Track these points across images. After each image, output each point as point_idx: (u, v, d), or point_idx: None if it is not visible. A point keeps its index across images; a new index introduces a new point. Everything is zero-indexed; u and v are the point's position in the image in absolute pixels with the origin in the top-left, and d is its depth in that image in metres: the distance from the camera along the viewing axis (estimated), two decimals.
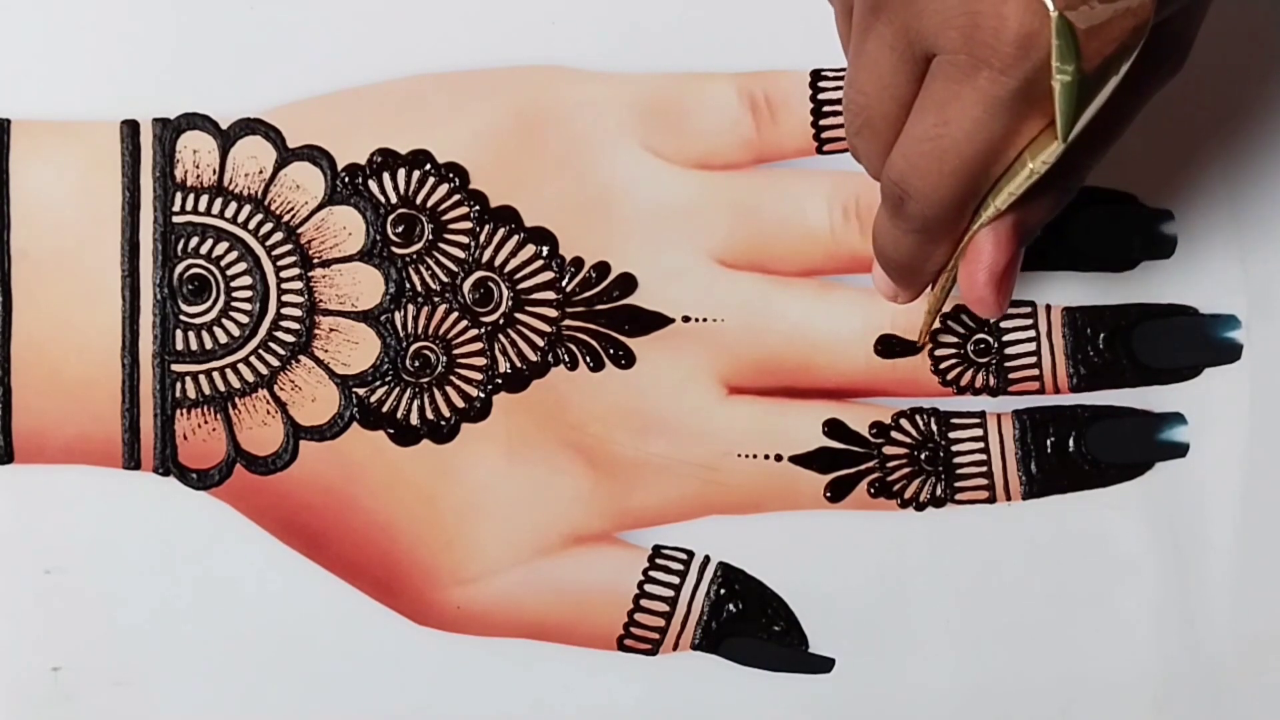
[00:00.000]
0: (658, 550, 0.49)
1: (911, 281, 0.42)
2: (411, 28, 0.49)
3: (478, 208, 0.48)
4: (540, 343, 0.49)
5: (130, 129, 0.48)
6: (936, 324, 0.48)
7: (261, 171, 0.48)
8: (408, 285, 0.48)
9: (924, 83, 0.36)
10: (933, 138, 0.36)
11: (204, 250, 0.48)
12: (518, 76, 0.49)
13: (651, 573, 0.49)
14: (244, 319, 0.48)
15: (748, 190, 0.49)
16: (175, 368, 0.48)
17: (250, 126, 0.48)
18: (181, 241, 0.48)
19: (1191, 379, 0.50)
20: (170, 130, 0.48)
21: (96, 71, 0.48)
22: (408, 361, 0.48)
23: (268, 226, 0.48)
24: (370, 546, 0.48)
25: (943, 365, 0.49)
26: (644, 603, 0.48)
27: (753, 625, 0.49)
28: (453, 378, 0.48)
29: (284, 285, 0.48)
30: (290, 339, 0.48)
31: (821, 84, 0.49)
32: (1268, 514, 0.50)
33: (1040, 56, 0.34)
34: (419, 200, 0.48)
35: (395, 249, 0.48)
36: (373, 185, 0.48)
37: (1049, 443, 0.49)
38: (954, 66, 0.35)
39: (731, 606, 0.49)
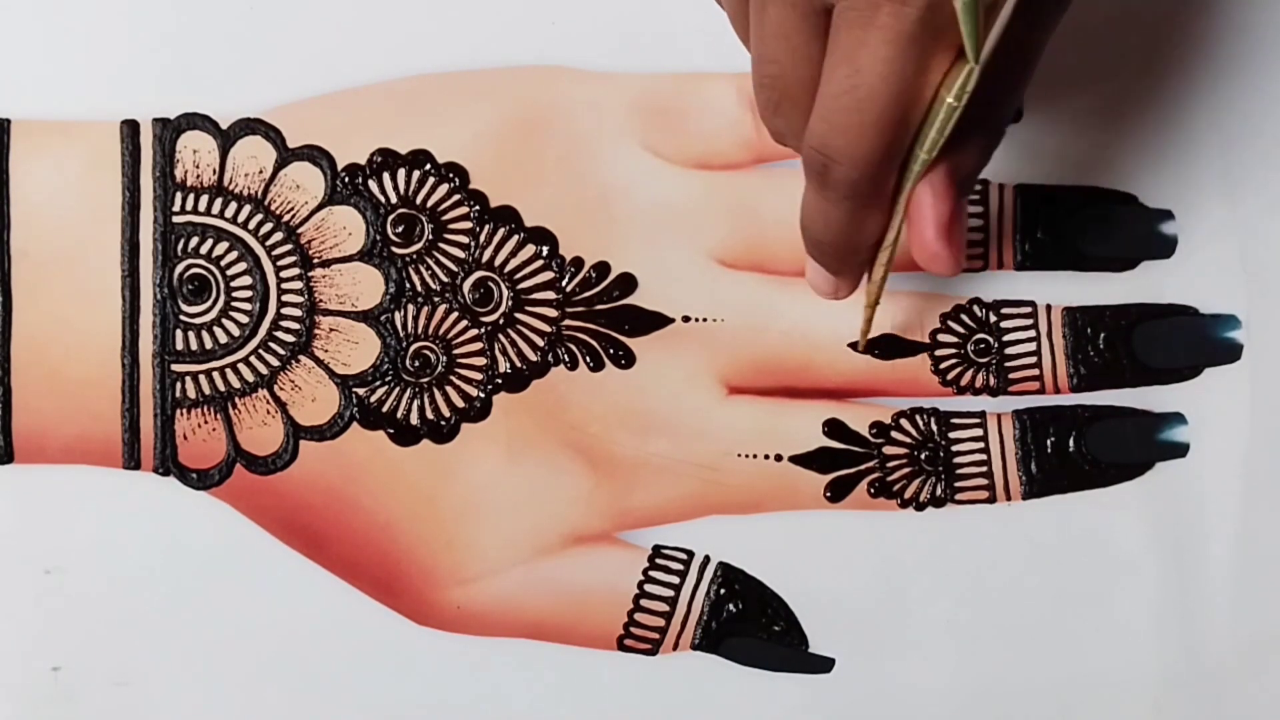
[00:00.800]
0: (658, 550, 0.49)
1: (846, 264, 0.41)
2: (411, 28, 0.49)
3: (478, 208, 0.48)
4: (540, 343, 0.49)
5: (130, 129, 0.48)
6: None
7: (261, 171, 0.48)
8: (408, 285, 0.48)
9: (829, 38, 0.36)
10: (848, 90, 0.35)
11: (204, 250, 0.48)
12: (518, 76, 0.49)
13: (651, 573, 0.49)
14: (244, 319, 0.48)
15: (748, 190, 0.49)
16: (175, 368, 0.48)
17: (250, 126, 0.48)
18: (181, 241, 0.48)
19: (1191, 379, 0.50)
20: (170, 130, 0.48)
21: (96, 71, 0.48)
22: (408, 361, 0.48)
23: (268, 226, 0.48)
24: (370, 546, 0.48)
25: (943, 365, 0.49)
26: (644, 603, 0.48)
27: (753, 625, 0.49)
28: (453, 378, 0.48)
29: (284, 285, 0.48)
30: (290, 339, 0.48)
31: None
32: (1268, 514, 0.50)
33: None
34: (419, 200, 0.48)
35: (395, 249, 0.48)
36: (373, 185, 0.48)
37: (1049, 443, 0.49)
38: (854, 11, 0.35)
39: (731, 606, 0.49)
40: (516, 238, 0.48)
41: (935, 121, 0.36)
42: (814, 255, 0.42)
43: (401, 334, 0.48)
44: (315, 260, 0.48)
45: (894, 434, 0.49)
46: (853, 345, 0.49)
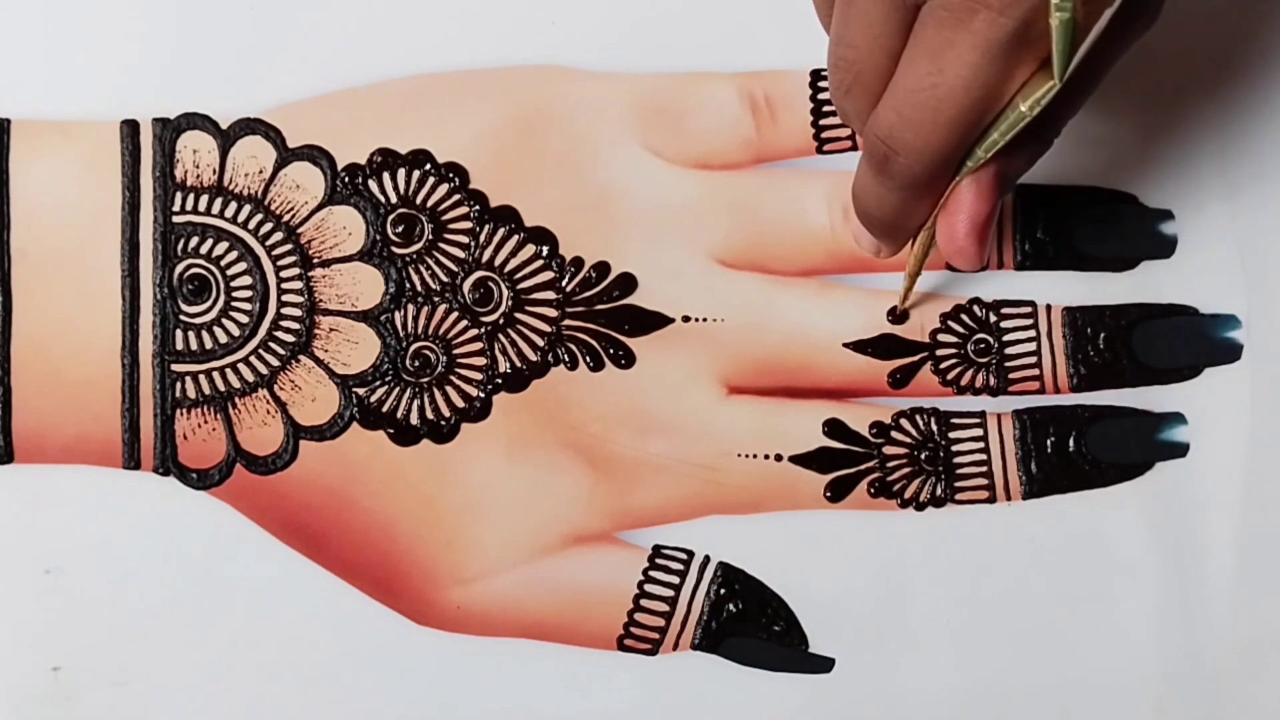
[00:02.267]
0: (658, 550, 0.49)
1: (893, 237, 0.42)
2: (411, 28, 0.49)
3: (478, 207, 0.48)
4: (540, 342, 0.49)
5: (130, 129, 0.48)
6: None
7: (261, 171, 0.48)
8: (408, 285, 0.48)
9: (913, 32, 0.36)
10: (927, 87, 0.36)
11: (204, 250, 0.48)
12: (518, 76, 0.49)
13: (651, 572, 0.49)
14: (244, 319, 0.48)
15: (747, 190, 0.49)
16: (175, 368, 0.48)
17: (250, 126, 0.48)
18: (181, 241, 0.48)
19: (1191, 379, 0.50)
20: (170, 130, 0.48)
21: (96, 71, 0.48)
22: (408, 361, 0.48)
23: (268, 226, 0.48)
24: (370, 546, 0.48)
25: (943, 365, 0.49)
26: (644, 603, 0.48)
27: (753, 625, 0.49)
28: (453, 377, 0.48)
29: (284, 285, 0.48)
30: (290, 339, 0.48)
31: (821, 84, 0.49)
32: (1268, 514, 0.50)
33: None
34: (419, 200, 0.48)
35: (395, 249, 0.48)
36: (373, 185, 0.48)
37: (1049, 443, 0.49)
38: (947, 11, 0.35)
39: (731, 606, 0.49)
40: (516, 238, 0.48)
41: (1002, 125, 0.37)
42: (862, 223, 0.42)
43: (401, 334, 0.48)
44: (315, 260, 0.48)
45: (894, 434, 0.49)
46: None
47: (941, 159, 0.37)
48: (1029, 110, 0.36)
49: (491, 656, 0.48)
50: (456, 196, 0.48)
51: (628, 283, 0.49)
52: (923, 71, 0.36)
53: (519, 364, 0.48)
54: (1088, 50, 0.35)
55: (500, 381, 0.48)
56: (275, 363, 0.48)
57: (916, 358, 0.49)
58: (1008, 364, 0.49)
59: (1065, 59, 0.35)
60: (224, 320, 0.48)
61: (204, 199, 0.48)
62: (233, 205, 0.48)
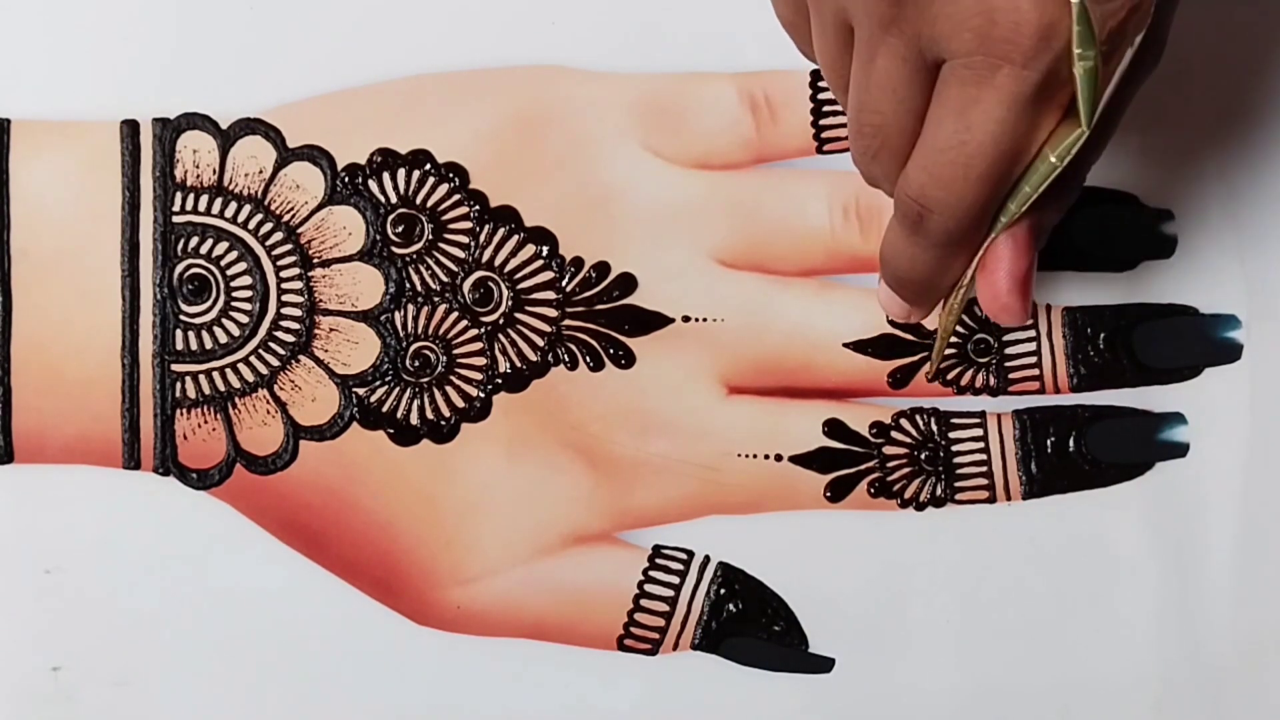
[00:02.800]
0: (658, 550, 0.49)
1: (926, 299, 0.42)
2: (411, 28, 0.49)
3: (478, 207, 0.48)
4: (540, 343, 0.49)
5: (130, 129, 0.48)
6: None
7: (261, 171, 0.48)
8: (408, 285, 0.48)
9: (936, 90, 0.36)
10: (955, 145, 0.36)
11: (204, 250, 0.48)
12: (518, 76, 0.49)
13: (651, 572, 0.49)
14: (244, 319, 0.48)
15: (748, 190, 0.49)
16: (175, 368, 0.48)
17: (250, 126, 0.48)
18: (181, 241, 0.48)
19: (1191, 379, 0.50)
20: (170, 130, 0.48)
21: (96, 71, 0.48)
22: (408, 361, 0.48)
23: (268, 226, 0.48)
24: (370, 546, 0.48)
25: (943, 365, 0.49)
26: (644, 602, 0.48)
27: (753, 625, 0.49)
28: (453, 378, 0.48)
29: (284, 285, 0.48)
30: (290, 339, 0.48)
31: (821, 84, 0.49)
32: (1268, 514, 0.50)
33: (1060, 46, 0.34)
34: (419, 200, 0.48)
35: (395, 249, 0.48)
36: (373, 185, 0.48)
37: (1049, 443, 0.49)
38: (969, 69, 0.35)
39: (731, 606, 0.49)
40: (516, 238, 0.48)
41: (1033, 177, 0.36)
42: (893, 288, 0.41)
43: (401, 334, 0.48)
44: (315, 260, 0.48)
45: (894, 434, 0.49)
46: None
47: (976, 214, 0.37)
48: (1059, 160, 0.36)
49: (491, 656, 0.48)
50: (456, 196, 0.48)
51: (628, 283, 0.49)
52: (950, 130, 0.35)
53: (519, 364, 0.48)
54: (1110, 95, 0.35)
55: (500, 381, 0.48)
56: (275, 363, 0.48)
57: (916, 358, 0.49)
58: (1008, 364, 0.49)
59: (1091, 106, 0.34)
60: (224, 320, 0.48)
61: (204, 199, 0.48)
62: (233, 205, 0.48)
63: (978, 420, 0.49)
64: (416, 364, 0.48)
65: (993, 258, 0.38)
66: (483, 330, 0.48)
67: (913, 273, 0.40)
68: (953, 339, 0.49)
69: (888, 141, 0.38)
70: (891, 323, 0.49)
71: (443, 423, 0.48)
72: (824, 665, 0.49)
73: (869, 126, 0.38)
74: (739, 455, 0.49)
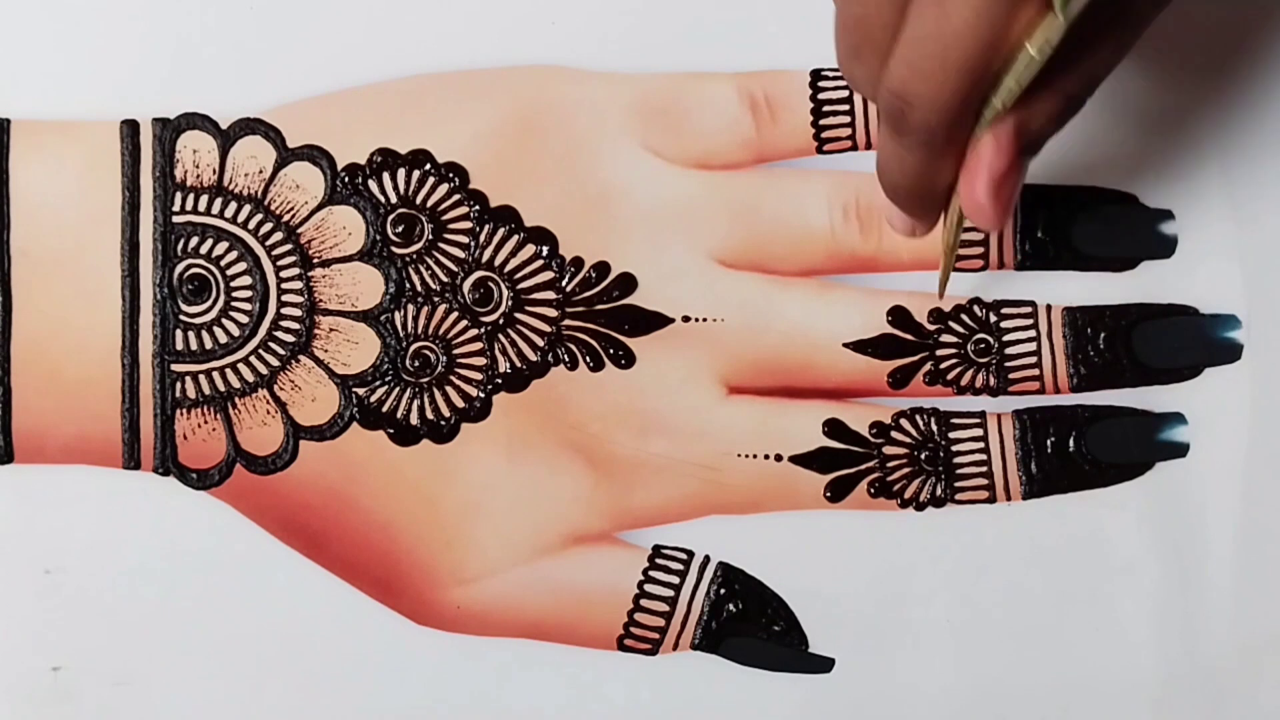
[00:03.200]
0: (658, 550, 0.49)
1: (924, 207, 0.41)
2: (411, 28, 0.49)
3: (477, 207, 0.48)
4: (540, 342, 0.49)
5: (130, 129, 0.48)
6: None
7: (261, 171, 0.48)
8: (408, 285, 0.48)
9: None
10: (933, 35, 0.35)
11: (204, 250, 0.48)
12: (518, 76, 0.49)
13: (651, 572, 0.49)
14: (244, 319, 0.48)
15: (748, 190, 0.49)
16: (175, 367, 0.48)
17: (250, 126, 0.48)
18: (181, 241, 0.48)
19: (1191, 379, 0.50)
20: (170, 130, 0.48)
21: (96, 71, 0.48)
22: (408, 361, 0.48)
23: (268, 226, 0.48)
24: (370, 546, 0.48)
25: (943, 365, 0.49)
26: (644, 602, 0.48)
27: (753, 625, 0.49)
28: (453, 377, 0.48)
29: (284, 285, 0.48)
30: (290, 339, 0.48)
31: (821, 84, 0.49)
32: (1268, 514, 0.50)
33: None
34: (419, 200, 0.48)
35: (395, 249, 0.48)
36: (372, 185, 0.48)
37: (1049, 443, 0.49)
38: None
39: (731, 606, 0.49)
40: (516, 238, 0.48)
41: (1014, 72, 0.36)
42: (890, 198, 0.42)
43: (401, 334, 0.48)
44: (315, 260, 0.48)
45: (894, 434, 0.49)
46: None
47: (956, 107, 0.37)
48: (1038, 54, 0.35)
49: (491, 656, 0.48)
50: (456, 196, 0.48)
51: (628, 283, 0.49)
52: (929, 18, 0.35)
53: (519, 364, 0.48)
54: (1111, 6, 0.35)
55: (500, 381, 0.48)
56: (275, 363, 0.48)
57: (916, 357, 0.49)
58: (1008, 364, 0.49)
59: None
60: (224, 320, 0.48)
61: (204, 199, 0.48)
62: (233, 205, 0.48)
63: (978, 420, 0.49)
64: (416, 364, 0.48)
65: (974, 156, 0.38)
66: (483, 330, 0.48)
67: (904, 177, 0.40)
68: (952, 339, 0.49)
69: (870, 35, 0.37)
70: (891, 322, 0.49)
71: (443, 423, 0.48)
72: (824, 665, 0.49)
73: (851, 19, 0.38)
74: (739, 455, 0.49)
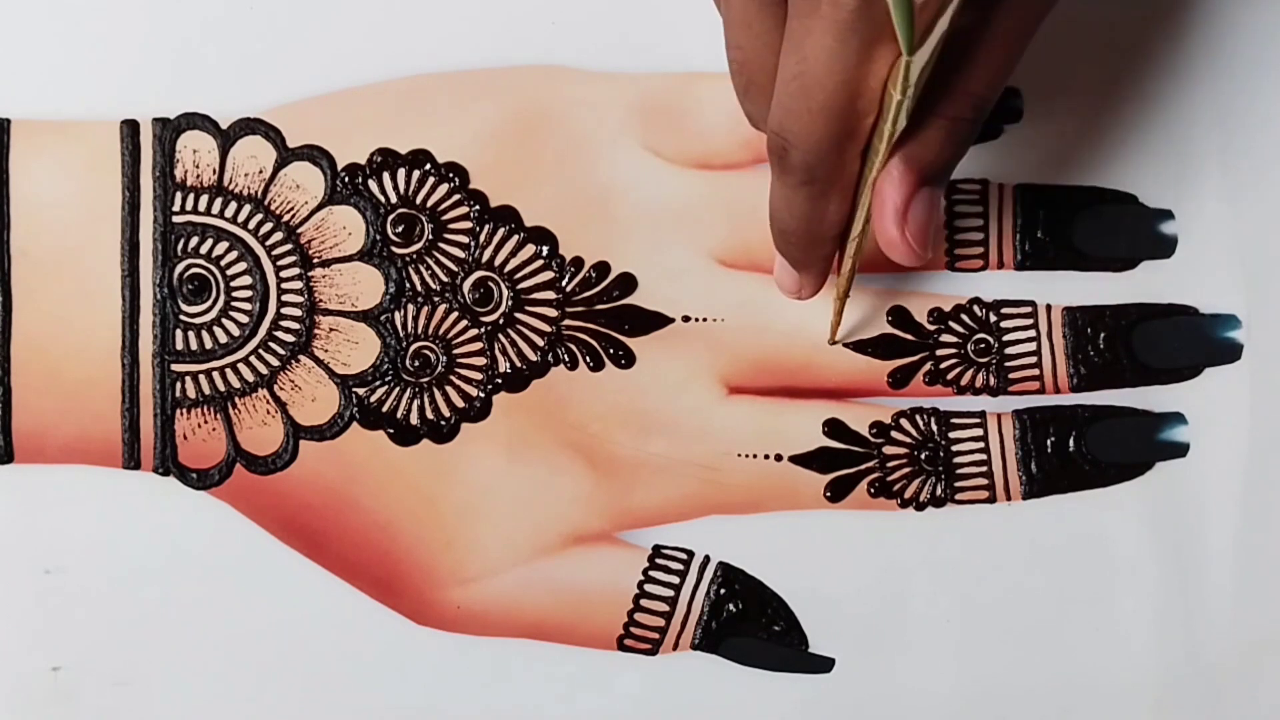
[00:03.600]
0: (658, 550, 0.49)
1: (809, 256, 0.42)
2: (411, 28, 0.49)
3: (478, 207, 0.48)
4: (540, 342, 0.49)
5: (130, 129, 0.48)
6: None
7: (261, 171, 0.48)
8: (408, 285, 0.48)
9: (786, 26, 0.37)
10: (796, 76, 0.36)
11: (204, 250, 0.48)
12: (518, 76, 0.49)
13: (651, 572, 0.49)
14: (244, 319, 0.48)
15: (748, 190, 0.49)
16: (175, 367, 0.48)
17: (250, 126, 0.48)
18: (181, 241, 0.48)
19: (1191, 379, 0.50)
20: (170, 130, 0.48)
21: (96, 71, 0.48)
22: (408, 361, 0.48)
23: (268, 226, 0.48)
24: (370, 546, 0.48)
25: (943, 365, 0.49)
26: (644, 602, 0.48)
27: (753, 625, 0.49)
28: (453, 377, 0.48)
29: (284, 285, 0.48)
30: (290, 339, 0.48)
31: None
32: (1268, 514, 0.50)
33: None
34: (419, 200, 0.48)
35: (395, 249, 0.48)
36: (373, 185, 0.48)
37: (1049, 443, 0.49)
38: (802, 1, 0.35)
39: (731, 606, 0.49)
40: (516, 237, 0.48)
41: (887, 115, 0.37)
42: (779, 247, 0.43)
43: (401, 334, 0.48)
44: (315, 260, 0.48)
45: (894, 434, 0.49)
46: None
47: (826, 147, 0.38)
48: (900, 94, 0.36)
49: (491, 656, 0.48)
50: (456, 196, 0.48)
51: (628, 283, 0.49)
52: (792, 61, 0.37)
53: (519, 364, 0.48)
54: (952, 22, 0.35)
55: (500, 381, 0.48)
56: (275, 363, 0.48)
57: (916, 357, 0.49)
58: (1008, 364, 0.49)
59: (907, 32, 0.34)
60: (224, 320, 0.48)
61: (204, 199, 0.48)
62: (233, 205, 0.48)
63: (978, 420, 0.49)
64: (416, 364, 0.48)
65: (877, 195, 0.39)
66: (483, 330, 0.48)
67: (791, 220, 0.41)
68: (952, 339, 0.49)
69: (753, 78, 0.39)
70: (891, 322, 0.49)
71: (443, 423, 0.48)
72: (824, 665, 0.49)
73: (735, 63, 0.39)
74: (739, 455, 0.49)
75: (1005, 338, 0.49)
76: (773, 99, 0.38)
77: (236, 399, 0.48)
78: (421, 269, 0.48)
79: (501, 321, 0.48)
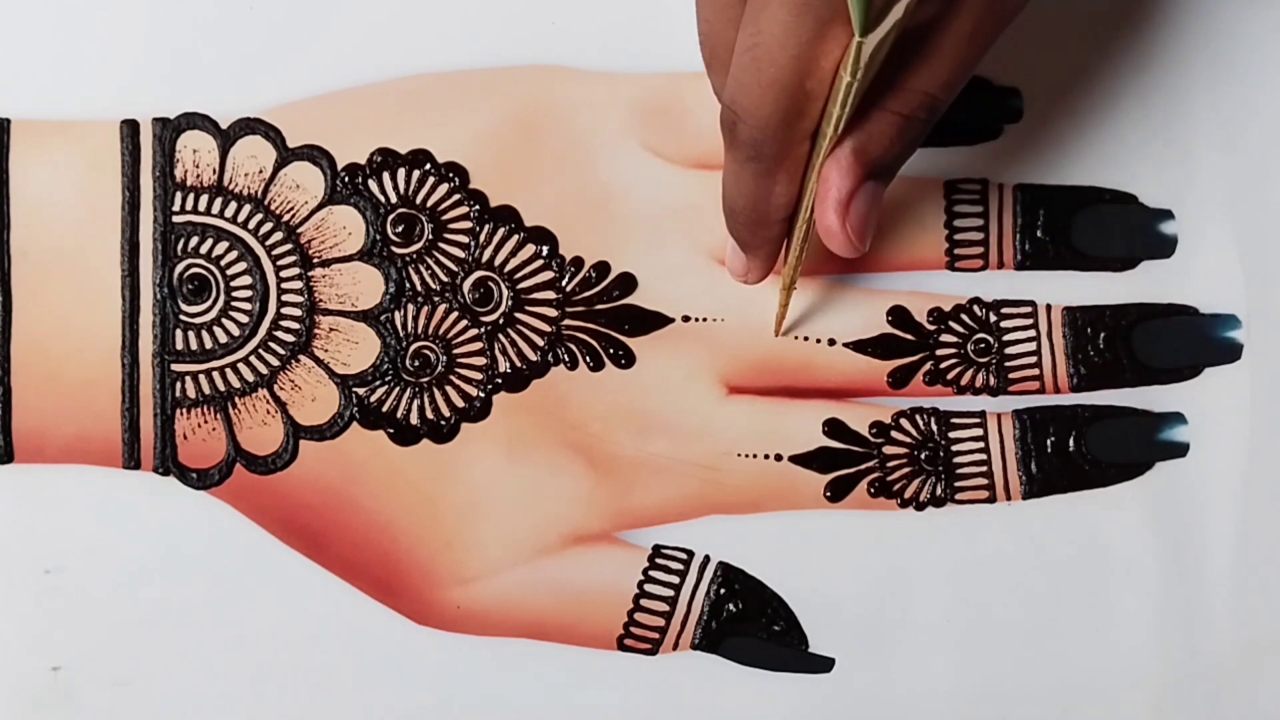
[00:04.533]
0: (658, 550, 0.49)
1: (756, 236, 0.42)
2: (411, 28, 0.49)
3: (477, 207, 0.48)
4: (540, 342, 0.49)
5: (130, 129, 0.48)
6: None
7: (261, 171, 0.48)
8: (408, 285, 0.48)
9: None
10: (750, 48, 0.36)
11: (204, 250, 0.48)
12: (518, 76, 0.49)
13: (651, 572, 0.49)
14: (244, 318, 0.48)
15: None
16: (175, 367, 0.48)
17: (250, 126, 0.48)
18: (181, 241, 0.48)
19: (1191, 379, 0.50)
20: (170, 130, 0.48)
21: (96, 71, 0.48)
22: (408, 361, 0.48)
23: (268, 226, 0.48)
24: (370, 546, 0.48)
25: (943, 365, 0.49)
26: (644, 602, 0.48)
27: (753, 625, 0.49)
28: (453, 377, 0.48)
29: (284, 285, 0.48)
30: (290, 338, 0.48)
31: None
32: (1268, 514, 0.50)
33: None
34: (419, 200, 0.48)
35: (395, 248, 0.48)
36: (373, 185, 0.48)
37: (1049, 442, 0.49)
38: None
39: (731, 606, 0.49)
40: (516, 237, 0.48)
41: (837, 98, 0.37)
42: (729, 227, 0.43)
43: (401, 334, 0.48)
44: (315, 260, 0.48)
45: (894, 434, 0.49)
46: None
47: (776, 124, 0.38)
48: (850, 75, 0.36)
49: (491, 656, 0.48)
50: (456, 196, 0.48)
51: (628, 282, 0.49)
52: (747, 34, 0.37)
53: (519, 364, 0.48)
54: (908, 11, 0.35)
55: (500, 381, 0.48)
56: (275, 362, 0.48)
57: (916, 357, 0.49)
58: (1008, 364, 0.49)
59: (861, 12, 0.34)
60: (224, 320, 0.48)
61: (204, 199, 0.48)
62: (233, 205, 0.48)
63: (978, 420, 0.49)
64: (416, 364, 0.48)
65: (822, 182, 0.39)
66: (483, 330, 0.48)
67: (740, 196, 0.41)
68: (952, 339, 0.49)
69: (715, 51, 0.39)
70: (891, 322, 0.49)
71: (443, 422, 0.48)
72: (824, 665, 0.49)
73: (701, 35, 0.39)
74: (739, 455, 0.49)
75: (1005, 338, 0.49)
76: (730, 72, 0.38)
77: (236, 399, 0.48)
78: (421, 269, 0.48)
79: (501, 321, 0.48)
